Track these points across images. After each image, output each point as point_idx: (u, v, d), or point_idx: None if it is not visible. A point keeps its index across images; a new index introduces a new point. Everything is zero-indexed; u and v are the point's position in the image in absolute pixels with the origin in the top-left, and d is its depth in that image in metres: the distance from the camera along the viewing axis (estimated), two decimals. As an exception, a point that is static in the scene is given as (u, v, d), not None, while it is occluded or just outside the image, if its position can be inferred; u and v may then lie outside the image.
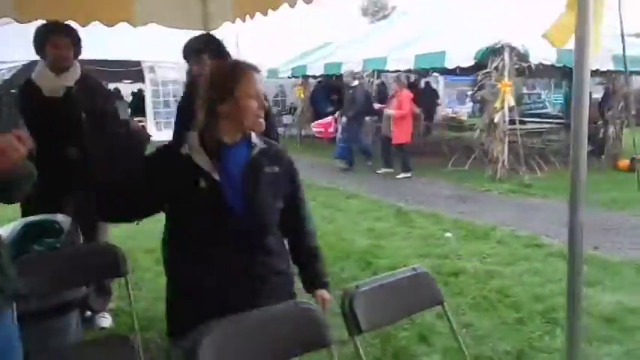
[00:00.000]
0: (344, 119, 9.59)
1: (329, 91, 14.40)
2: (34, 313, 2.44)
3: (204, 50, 2.81)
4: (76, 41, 3.16)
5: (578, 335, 2.18)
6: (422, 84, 15.74)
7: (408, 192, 7.66)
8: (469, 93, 19.11)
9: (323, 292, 1.96)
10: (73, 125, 3.04)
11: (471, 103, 19.86)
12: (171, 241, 1.83)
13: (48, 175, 3.04)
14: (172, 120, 3.48)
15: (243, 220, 1.71)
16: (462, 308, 3.60)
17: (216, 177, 1.69)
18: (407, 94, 9.03)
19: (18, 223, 2.65)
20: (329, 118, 12.79)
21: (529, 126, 10.38)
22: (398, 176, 8.92)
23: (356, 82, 9.48)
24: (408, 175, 8.91)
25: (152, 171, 1.75)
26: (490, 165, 8.50)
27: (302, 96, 14.18)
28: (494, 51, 8.11)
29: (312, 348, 1.75)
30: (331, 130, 12.38)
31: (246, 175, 1.73)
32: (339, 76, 12.96)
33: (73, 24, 3.74)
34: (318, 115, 13.81)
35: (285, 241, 1.96)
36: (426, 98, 14.79)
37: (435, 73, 16.02)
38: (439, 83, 18.94)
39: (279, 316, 1.69)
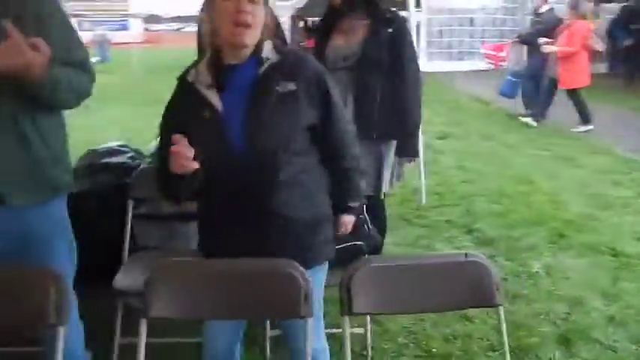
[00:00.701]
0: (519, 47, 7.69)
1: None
2: (163, 216, 2.82)
3: None
4: None
5: None
6: None
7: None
8: None
9: (343, 218, 1.73)
10: None
11: None
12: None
13: None
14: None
15: (244, 155, 1.47)
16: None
17: (218, 106, 1.47)
18: (582, 26, 6.71)
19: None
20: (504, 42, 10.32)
21: None
22: (576, 129, 6.91)
23: (546, 7, 7.40)
24: (590, 127, 6.84)
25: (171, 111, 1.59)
26: None
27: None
28: None
29: (284, 317, 1.55)
30: (503, 54, 9.94)
31: (248, 101, 1.47)
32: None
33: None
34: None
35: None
36: None
37: None
38: None
39: (252, 273, 1.51)
